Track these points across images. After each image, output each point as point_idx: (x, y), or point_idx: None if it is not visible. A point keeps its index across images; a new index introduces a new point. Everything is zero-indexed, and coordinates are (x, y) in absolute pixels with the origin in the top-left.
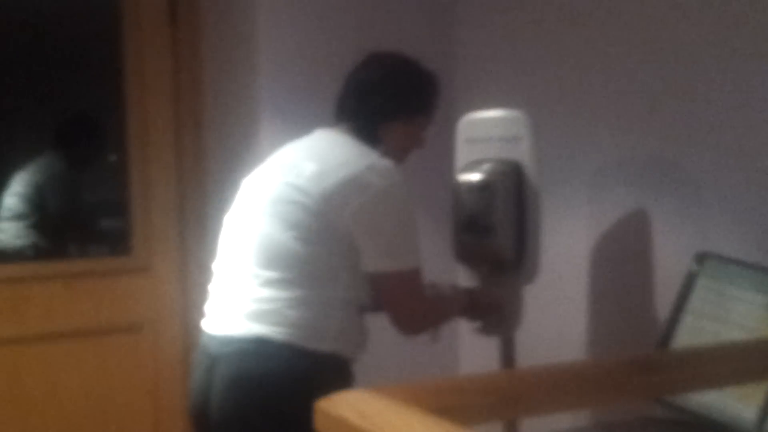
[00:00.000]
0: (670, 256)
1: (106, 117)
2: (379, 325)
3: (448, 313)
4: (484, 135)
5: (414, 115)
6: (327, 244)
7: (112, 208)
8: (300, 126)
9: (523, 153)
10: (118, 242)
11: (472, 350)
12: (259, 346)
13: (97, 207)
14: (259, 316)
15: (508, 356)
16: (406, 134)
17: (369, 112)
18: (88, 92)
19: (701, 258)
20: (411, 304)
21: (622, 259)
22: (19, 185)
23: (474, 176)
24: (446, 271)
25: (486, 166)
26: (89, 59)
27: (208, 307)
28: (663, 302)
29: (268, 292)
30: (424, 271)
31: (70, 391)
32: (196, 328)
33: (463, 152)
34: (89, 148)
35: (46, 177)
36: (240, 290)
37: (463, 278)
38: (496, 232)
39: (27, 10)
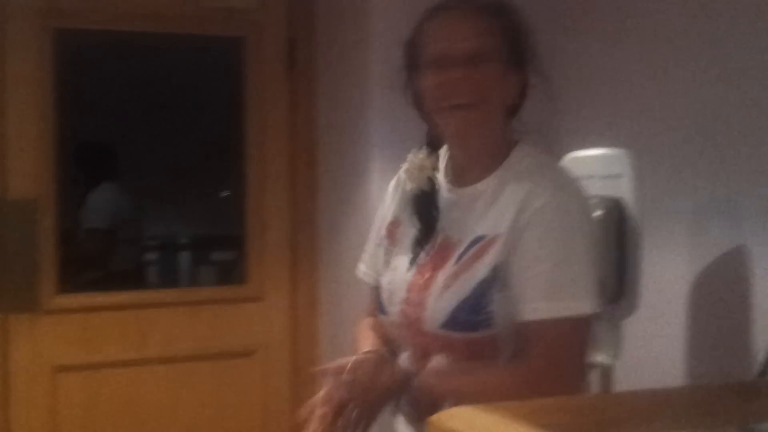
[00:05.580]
0: None
1: (226, 154)
2: None
3: None
4: (586, 172)
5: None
6: None
7: (224, 240)
8: None
9: (624, 190)
10: (227, 273)
11: None
12: None
13: (211, 239)
14: None
15: (606, 385)
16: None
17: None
18: (210, 131)
19: None
20: None
21: (721, 294)
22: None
23: None
24: None
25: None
26: (212, 102)
27: None
28: (761, 337)
29: None
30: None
31: (186, 410)
32: (304, 354)
33: None
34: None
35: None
36: None
37: None
38: None
39: (157, 59)
